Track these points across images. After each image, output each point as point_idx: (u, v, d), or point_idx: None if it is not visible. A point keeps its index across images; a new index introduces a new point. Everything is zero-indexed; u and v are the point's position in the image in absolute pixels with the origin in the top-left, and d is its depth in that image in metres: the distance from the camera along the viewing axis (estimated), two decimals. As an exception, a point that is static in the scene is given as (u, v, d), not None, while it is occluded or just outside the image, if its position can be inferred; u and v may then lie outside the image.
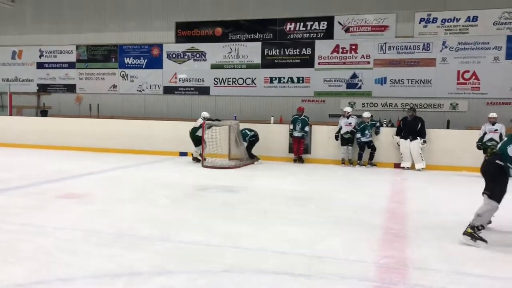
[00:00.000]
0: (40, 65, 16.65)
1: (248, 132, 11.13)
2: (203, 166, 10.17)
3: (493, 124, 9.85)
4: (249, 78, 14.33)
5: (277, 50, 14.02)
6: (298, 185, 8.26)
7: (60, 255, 3.87)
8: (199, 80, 14.84)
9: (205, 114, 11.29)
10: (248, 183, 8.13)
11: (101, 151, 12.54)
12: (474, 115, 11.59)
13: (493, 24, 12.12)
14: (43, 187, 7.23)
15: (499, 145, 4.74)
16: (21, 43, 16.75)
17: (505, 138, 4.75)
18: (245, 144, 11.01)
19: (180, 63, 14.99)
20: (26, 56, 16.79)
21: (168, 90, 15.19)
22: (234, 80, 14.49)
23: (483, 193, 4.58)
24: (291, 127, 11.40)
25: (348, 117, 11.07)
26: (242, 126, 11.35)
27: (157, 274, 3.46)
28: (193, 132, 10.97)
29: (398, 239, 4.75)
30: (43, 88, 16.69)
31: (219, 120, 11.24)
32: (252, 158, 11.08)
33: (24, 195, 6.52)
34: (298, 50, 13.82)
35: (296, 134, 11.36)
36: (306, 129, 11.29)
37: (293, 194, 7.16)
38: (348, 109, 11.27)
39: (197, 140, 10.80)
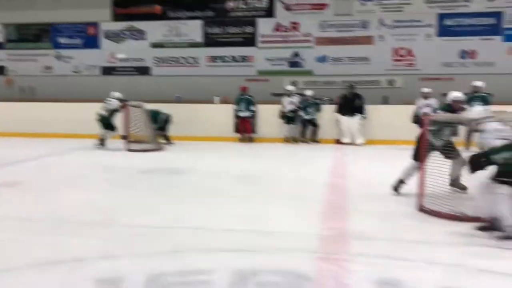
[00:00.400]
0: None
1: (161, 115, 10.83)
2: (130, 150, 9.70)
3: (426, 98, 10.38)
4: (191, 58, 14.09)
5: (219, 29, 13.85)
6: (244, 164, 8.34)
7: (-3, 245, 3.71)
8: (139, 60, 14.39)
9: (117, 94, 10.75)
10: (194, 164, 8.09)
11: (37, 136, 11.95)
12: (409, 91, 12.08)
13: (425, 3, 12.61)
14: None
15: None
16: None
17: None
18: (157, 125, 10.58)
19: (118, 43, 14.45)
20: None
21: (107, 71, 14.63)
22: (175, 59, 14.19)
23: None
24: (236, 107, 11.43)
25: (291, 96, 11.23)
26: (184, 106, 11.23)
27: (101, 258, 3.40)
28: (109, 115, 10.29)
29: (340, 211, 4.95)
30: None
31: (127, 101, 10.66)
32: (168, 140, 10.82)
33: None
34: (240, 28, 13.73)
35: (242, 114, 11.41)
36: (252, 108, 11.37)
37: (239, 173, 7.22)
38: (290, 87, 11.43)
39: (109, 124, 10.25)
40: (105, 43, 14.55)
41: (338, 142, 11.14)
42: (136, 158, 8.74)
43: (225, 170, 7.47)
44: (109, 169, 7.47)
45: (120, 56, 14.52)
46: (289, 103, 11.18)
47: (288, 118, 11.17)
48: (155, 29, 14.15)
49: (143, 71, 14.39)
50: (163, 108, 11.74)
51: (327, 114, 11.32)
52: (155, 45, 14.23)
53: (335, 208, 5.08)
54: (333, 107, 11.43)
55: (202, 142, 11.17)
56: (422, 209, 4.77)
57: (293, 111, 11.17)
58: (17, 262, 3.33)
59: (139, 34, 14.32)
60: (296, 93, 11.51)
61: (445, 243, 3.84)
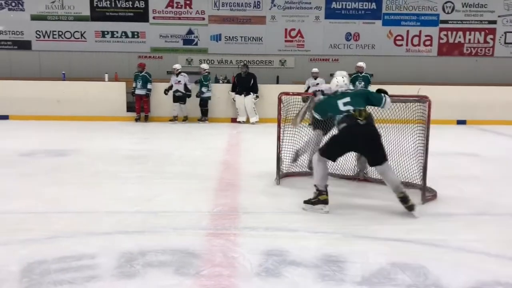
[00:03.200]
0: None
1: None
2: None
3: (315, 78, 10.92)
4: (78, 32, 13.16)
5: (108, 2, 13.09)
6: (135, 144, 8.10)
7: None
8: (18, 33, 13.10)
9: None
10: (80, 145, 7.64)
11: None
12: (300, 71, 12.60)
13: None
14: None
15: (355, 107, 4.07)
16: None
17: (349, 99, 4.13)
18: None
19: (-9, 13, 12.99)
20: None
21: (-21, 44, 13.12)
22: (60, 33, 13.15)
23: (383, 162, 4.07)
24: (133, 84, 11.01)
25: (177, 75, 11.02)
26: (71, 84, 10.50)
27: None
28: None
29: (232, 187, 5.04)
30: None
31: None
32: None
33: None
34: (130, 2, 13.11)
35: (138, 92, 11.01)
36: (149, 86, 11.01)
37: (130, 153, 7.01)
38: (177, 66, 11.21)
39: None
40: (-25, 13, 12.99)
41: (233, 120, 11.29)
42: (17, 141, 8.02)
43: (115, 151, 7.19)
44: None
45: (-5, 28, 13.08)
46: (176, 83, 10.98)
47: (176, 97, 10.97)
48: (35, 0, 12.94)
49: (23, 45, 13.15)
50: (48, 86, 10.95)
51: (222, 93, 11.37)
52: (36, 17, 13.04)
53: (227, 185, 5.16)
54: (228, 86, 11.51)
55: (92, 122, 10.61)
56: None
57: (181, 91, 10.97)
58: None
59: (16, 4, 12.98)
60: (184, 72, 11.24)
61: (325, 214, 4.10)
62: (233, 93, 11.19)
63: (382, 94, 4.24)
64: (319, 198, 4.08)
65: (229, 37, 13.24)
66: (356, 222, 3.78)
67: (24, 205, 4.16)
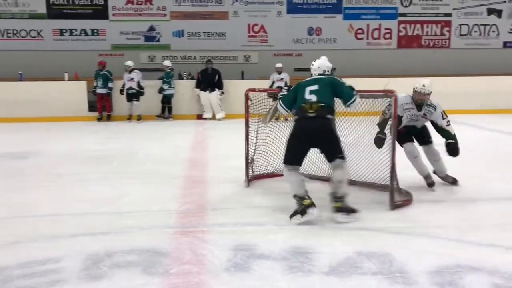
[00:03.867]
0: None
1: None
2: None
3: (280, 73, 10.98)
4: (34, 30, 12.73)
5: (65, -1, 12.71)
6: (99, 144, 7.93)
7: None
8: (-31, 32, 12.56)
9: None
10: (42, 147, 7.41)
11: None
12: (264, 66, 12.61)
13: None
14: None
15: (317, 97, 3.83)
16: None
17: (317, 87, 3.89)
18: None
19: None
20: None
21: None
22: (15, 32, 12.68)
23: (334, 159, 3.78)
24: (94, 83, 10.77)
25: (130, 72, 10.84)
26: (29, 85, 10.16)
27: None
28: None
29: (199, 185, 5.03)
30: None
31: None
32: None
33: None
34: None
35: (99, 90, 10.78)
36: (110, 85, 10.79)
37: (93, 154, 6.86)
38: (129, 63, 11.01)
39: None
40: None
41: (198, 117, 11.22)
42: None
43: (78, 152, 7.03)
44: None
45: None
46: (128, 80, 10.80)
47: (129, 95, 10.79)
48: (-13, -3, 12.42)
49: (-25, 45, 12.61)
50: (5, 87, 10.58)
51: (187, 90, 11.27)
52: (-11, 15, 12.53)
53: (195, 182, 5.14)
54: (192, 82, 11.42)
55: (52, 123, 10.30)
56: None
57: (134, 88, 10.77)
58: None
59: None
60: (136, 69, 11.05)
61: (293, 207, 4.15)
62: (197, 90, 11.11)
63: (354, 93, 3.91)
64: (303, 204, 3.68)
65: (192, 33, 13.12)
66: (323, 214, 3.84)
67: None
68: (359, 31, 13.54)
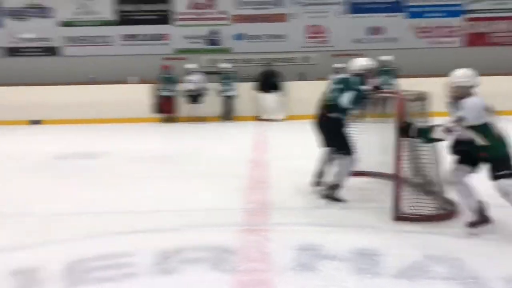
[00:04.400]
0: None
1: None
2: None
3: (339, 73, 10.84)
4: (104, 36, 13.44)
5: (132, 6, 13.31)
6: (163, 144, 8.25)
7: None
8: (47, 40, 13.46)
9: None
10: (110, 147, 7.81)
11: None
12: (323, 67, 12.51)
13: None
14: None
15: (331, 96, 4.29)
16: None
17: (333, 87, 4.34)
18: None
19: (22, 21, 13.37)
20: None
21: (10, 51, 13.50)
22: (87, 38, 13.46)
23: (337, 153, 4.22)
24: (159, 86, 11.23)
25: (192, 75, 11.16)
26: (98, 88, 10.75)
27: (16, 249, 3.24)
28: None
29: (262, 185, 5.10)
30: None
31: None
32: None
33: None
34: (154, 5, 13.30)
35: (163, 93, 11.21)
36: (174, 87, 11.21)
37: (159, 154, 7.12)
38: (191, 65, 11.35)
39: None
40: (8, 22, 13.40)
41: (258, 118, 11.34)
42: (50, 144, 8.26)
43: (143, 152, 7.33)
44: (20, 156, 7.00)
45: (25, 36, 13.46)
46: (191, 82, 11.12)
47: (191, 97, 11.11)
48: (63, 7, 13.26)
49: (51, 51, 13.50)
50: (77, 90, 11.25)
51: (247, 92, 11.44)
52: (64, 24, 13.37)
53: (257, 183, 5.22)
54: (252, 84, 11.57)
55: (120, 124, 10.83)
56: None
57: (197, 90, 11.09)
58: None
59: (45, 12, 13.34)
60: (199, 71, 11.39)
61: (354, 207, 4.12)
62: (258, 91, 11.25)
63: (352, 94, 4.14)
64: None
65: (252, 35, 13.28)
66: (384, 216, 3.76)
67: (61, 207, 4.30)
68: (422, 30, 13.10)
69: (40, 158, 6.87)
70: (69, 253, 3.17)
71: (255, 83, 11.52)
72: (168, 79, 11.22)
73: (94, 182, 5.36)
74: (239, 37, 13.29)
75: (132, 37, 13.42)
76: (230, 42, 13.33)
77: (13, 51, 13.54)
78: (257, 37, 13.29)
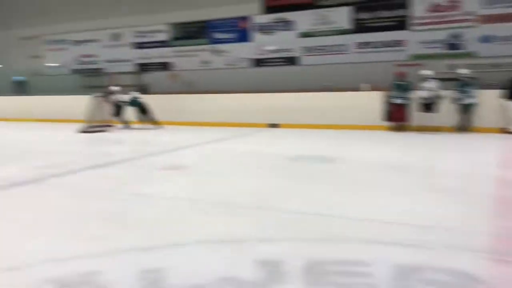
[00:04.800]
0: (137, 45, 17.55)
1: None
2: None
3: None
4: (339, 45, 13.90)
5: (368, 14, 13.38)
6: (395, 154, 7.96)
7: (168, 222, 4.10)
8: (288, 51, 14.71)
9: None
10: (343, 153, 7.99)
11: (198, 125, 13.08)
12: None
13: None
14: (150, 159, 7.71)
15: None
16: (120, 25, 17.75)
17: None
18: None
19: (268, 35, 14.95)
20: (125, 37, 17.78)
21: (257, 62, 15.26)
22: (323, 48, 14.15)
23: None
24: (391, 93, 11.02)
25: (427, 81, 10.36)
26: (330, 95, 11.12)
27: (261, 241, 3.53)
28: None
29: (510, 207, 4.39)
30: (141, 68, 17.65)
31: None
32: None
33: (133, 167, 7.00)
34: (390, 11, 13.07)
35: (396, 101, 10.93)
36: (408, 95, 10.82)
37: (390, 163, 6.90)
38: (426, 72, 10.57)
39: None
40: (255, 36, 15.17)
41: (504, 131, 9.94)
42: (286, 146, 8.95)
43: (375, 160, 7.22)
44: (261, 156, 7.77)
45: (269, 48, 15.00)
46: (425, 89, 10.34)
47: (424, 105, 10.33)
48: (304, 19, 14.28)
49: (291, 61, 14.67)
50: (312, 97, 11.92)
51: (490, 100, 10.15)
52: (304, 35, 14.37)
53: (507, 204, 4.52)
54: (497, 92, 10.21)
55: (350, 130, 11.00)
56: None
57: (432, 97, 10.28)
58: (184, 238, 3.63)
59: (288, 25, 14.60)
60: (435, 78, 10.53)
61: None
62: (506, 100, 9.86)
63: None
64: None
65: (505, 37, 11.71)
66: None
67: (299, 206, 4.53)
68: None
69: (275, 158, 7.47)
70: (310, 252, 3.28)
71: (502, 90, 10.13)
72: (401, 86, 10.85)
73: (327, 185, 5.50)
74: (486, 39, 11.91)
75: (366, 44, 13.48)
76: (474, 45, 12.08)
77: (259, 62, 15.22)
78: (508, 38, 11.67)
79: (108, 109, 13.03)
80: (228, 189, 5.33)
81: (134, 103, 13.33)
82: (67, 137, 11.45)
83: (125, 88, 14.14)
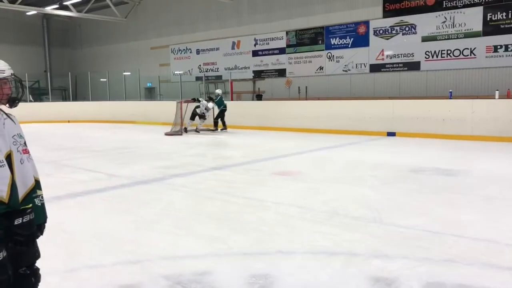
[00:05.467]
0: (254, 53, 18.11)
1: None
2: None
3: None
4: (467, 49, 12.80)
5: (504, 14, 12.12)
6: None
7: (279, 228, 4.08)
8: (408, 55, 13.96)
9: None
10: (468, 166, 7.31)
11: (309, 132, 13.01)
12: None
13: None
14: (261, 164, 7.84)
15: None
16: (239, 34, 18.49)
17: None
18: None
19: (387, 39, 14.35)
20: (243, 45, 18.47)
21: (375, 68, 14.74)
22: (448, 52, 13.15)
23: None
24: None
25: None
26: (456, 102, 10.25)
27: (374, 256, 3.33)
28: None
29: None
30: (258, 74, 18.16)
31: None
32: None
33: (245, 171, 7.16)
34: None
35: None
36: None
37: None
38: None
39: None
40: (373, 40, 14.68)
41: None
42: (404, 156, 8.45)
43: (506, 174, 6.47)
44: (377, 166, 7.42)
45: (389, 52, 14.38)
46: None
47: None
48: (427, 22, 13.44)
49: (412, 66, 13.90)
50: (434, 104, 11.17)
51: None
52: (426, 39, 13.53)
53: None
54: None
55: (478, 142, 10.04)
56: None
57: None
58: (293, 246, 3.58)
59: (409, 29, 13.87)
60: None
61: None
62: None
63: None
64: None
65: None
66: None
67: (418, 222, 4.19)
68: None
69: (396, 169, 7.05)
70: (427, 273, 3.01)
71: None
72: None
73: (451, 201, 5.04)
74: None
75: (501, 47, 12.24)
76: None
77: (377, 67, 14.69)
78: None
79: (196, 113, 13.71)
80: (340, 199, 5.16)
81: (221, 109, 13.99)
82: (180, 138, 12.16)
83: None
